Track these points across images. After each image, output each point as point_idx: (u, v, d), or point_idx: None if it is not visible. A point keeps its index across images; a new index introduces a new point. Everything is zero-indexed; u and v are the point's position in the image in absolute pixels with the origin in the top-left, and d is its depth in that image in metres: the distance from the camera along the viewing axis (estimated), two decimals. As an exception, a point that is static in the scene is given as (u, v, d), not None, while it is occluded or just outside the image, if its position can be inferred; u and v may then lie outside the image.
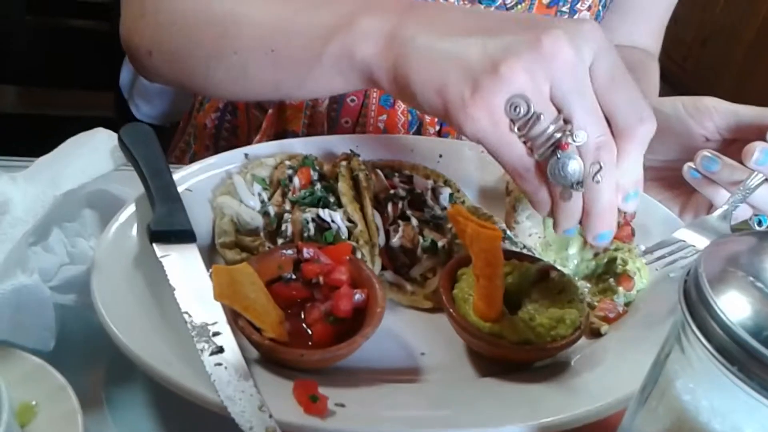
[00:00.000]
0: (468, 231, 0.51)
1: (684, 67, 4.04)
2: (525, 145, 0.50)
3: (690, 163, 0.66)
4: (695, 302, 0.35)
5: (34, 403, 0.48)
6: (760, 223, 0.66)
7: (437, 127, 0.98)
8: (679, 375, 0.37)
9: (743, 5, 3.60)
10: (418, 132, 0.97)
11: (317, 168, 0.66)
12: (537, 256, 0.62)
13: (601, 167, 0.49)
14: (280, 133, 0.97)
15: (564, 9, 0.87)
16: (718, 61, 3.79)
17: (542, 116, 0.48)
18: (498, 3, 0.84)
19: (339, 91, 0.69)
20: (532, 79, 0.48)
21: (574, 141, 0.48)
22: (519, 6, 0.84)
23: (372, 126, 0.95)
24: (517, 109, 0.48)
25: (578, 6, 0.88)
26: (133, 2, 0.78)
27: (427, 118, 0.98)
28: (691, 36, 3.99)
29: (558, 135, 0.48)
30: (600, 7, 0.91)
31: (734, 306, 0.33)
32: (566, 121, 0.49)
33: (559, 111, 0.49)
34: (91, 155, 0.63)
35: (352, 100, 0.96)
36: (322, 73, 0.62)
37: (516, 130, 0.49)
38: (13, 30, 1.36)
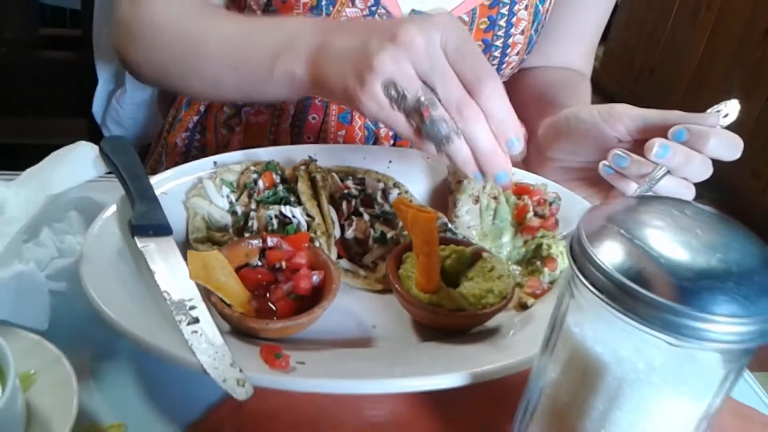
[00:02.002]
0: (408, 216, 0.60)
1: (634, 91, 4.22)
2: (407, 117, 0.63)
3: (604, 161, 0.76)
4: (578, 254, 0.44)
5: (32, 371, 0.55)
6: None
7: (391, 141, 1.08)
8: (571, 314, 0.45)
9: (687, 35, 3.80)
10: (374, 145, 1.06)
11: (279, 172, 0.75)
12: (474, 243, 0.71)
13: (464, 121, 0.61)
14: (247, 149, 1.06)
15: (500, 33, 0.98)
16: (665, 86, 3.97)
17: (408, 93, 0.61)
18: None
19: (292, 97, 0.88)
20: (397, 66, 0.61)
21: (431, 106, 0.61)
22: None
23: (332, 141, 1.04)
24: (390, 91, 0.61)
25: (512, 30, 0.99)
26: (120, 24, 0.91)
27: (382, 133, 1.07)
28: (640, 63, 4.19)
29: (422, 106, 0.61)
30: (533, 32, 1.02)
31: (607, 252, 0.42)
32: (434, 91, 0.62)
33: (428, 85, 0.62)
34: (75, 164, 0.70)
35: (314, 118, 1.05)
36: (275, 85, 0.76)
37: (395, 107, 0.62)
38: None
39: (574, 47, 1.16)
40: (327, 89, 0.69)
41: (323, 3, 0.90)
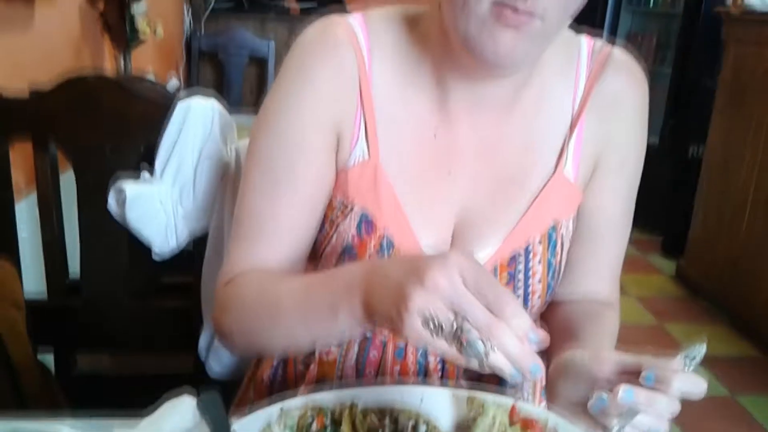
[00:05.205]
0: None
1: (719, 285, 4.16)
2: (447, 343, 0.78)
3: (591, 401, 0.92)
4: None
5: None
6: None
7: (439, 373, 1.26)
8: None
9: (766, 224, 3.81)
10: (425, 375, 1.25)
11: (329, 415, 0.96)
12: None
13: (494, 338, 0.76)
14: (320, 381, 1.27)
15: (519, 285, 1.18)
16: (750, 278, 3.87)
17: (444, 324, 0.77)
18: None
19: (356, 332, 1.05)
20: (429, 305, 0.78)
21: (467, 333, 0.76)
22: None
23: (389, 373, 1.24)
24: (429, 325, 0.77)
25: (530, 281, 1.18)
26: (216, 300, 1.19)
27: (431, 366, 1.26)
28: (723, 256, 4.15)
29: (459, 333, 0.77)
30: (549, 279, 1.21)
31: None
32: (465, 318, 0.78)
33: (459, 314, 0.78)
34: (179, 415, 0.94)
35: (374, 355, 1.26)
36: (341, 327, 0.97)
37: (435, 336, 0.78)
38: (116, 313, 1.74)
39: (597, 280, 1.32)
40: (378, 322, 0.87)
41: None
